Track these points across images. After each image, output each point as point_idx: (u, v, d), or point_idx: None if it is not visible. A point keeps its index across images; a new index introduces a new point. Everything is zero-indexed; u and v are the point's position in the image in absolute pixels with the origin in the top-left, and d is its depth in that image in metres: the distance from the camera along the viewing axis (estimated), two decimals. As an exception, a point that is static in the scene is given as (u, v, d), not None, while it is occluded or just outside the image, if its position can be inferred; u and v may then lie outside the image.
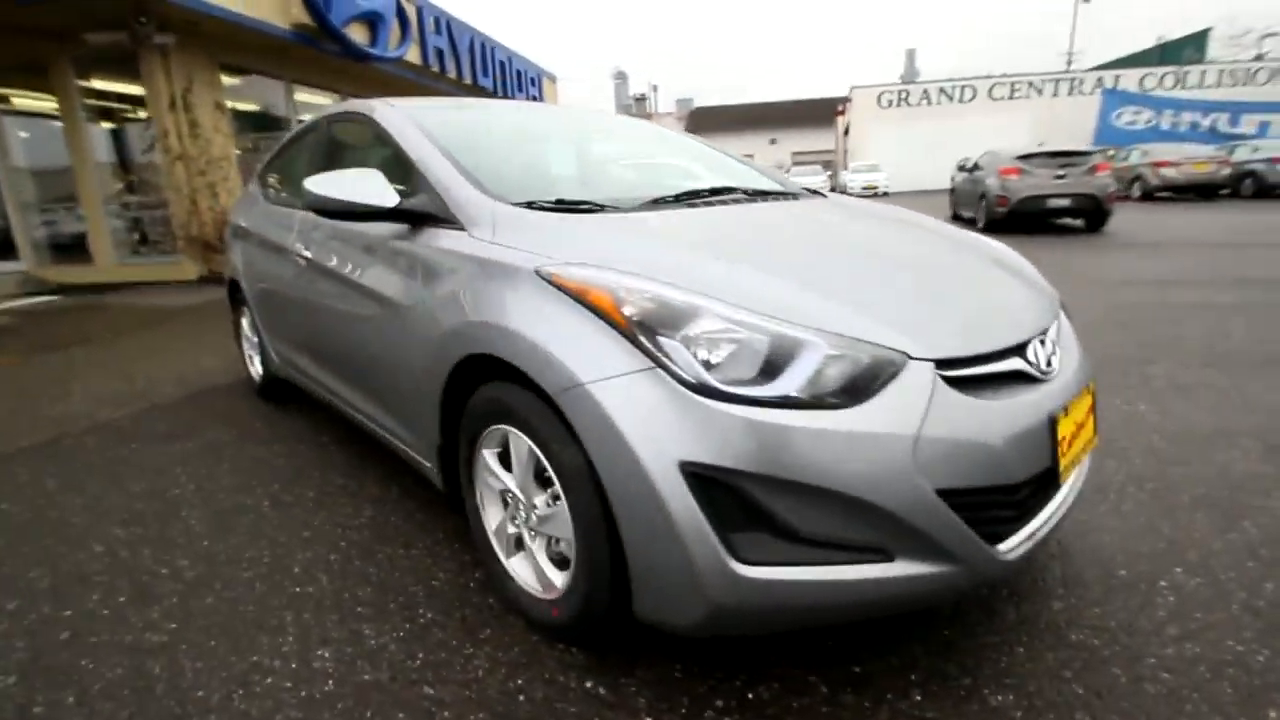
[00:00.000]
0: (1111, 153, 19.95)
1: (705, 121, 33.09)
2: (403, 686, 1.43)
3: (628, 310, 1.25)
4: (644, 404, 1.19)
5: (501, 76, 13.26)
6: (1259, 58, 27.61)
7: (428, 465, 1.91)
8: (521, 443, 1.46)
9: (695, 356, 1.20)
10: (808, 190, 2.45)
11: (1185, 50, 27.84)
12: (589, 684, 1.41)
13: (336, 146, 2.63)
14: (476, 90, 12.53)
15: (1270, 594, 1.62)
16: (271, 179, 3.23)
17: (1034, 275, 1.83)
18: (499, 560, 1.67)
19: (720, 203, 2.00)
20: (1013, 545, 1.31)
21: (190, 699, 1.42)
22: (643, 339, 1.22)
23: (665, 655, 1.48)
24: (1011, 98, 27.11)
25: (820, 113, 34.20)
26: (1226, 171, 14.86)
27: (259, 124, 8.84)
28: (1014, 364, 1.37)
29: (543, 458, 1.41)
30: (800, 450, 1.14)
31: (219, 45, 7.49)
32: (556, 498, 1.44)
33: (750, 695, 1.36)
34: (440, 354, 1.63)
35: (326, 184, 1.82)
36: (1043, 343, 1.47)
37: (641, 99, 39.84)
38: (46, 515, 2.33)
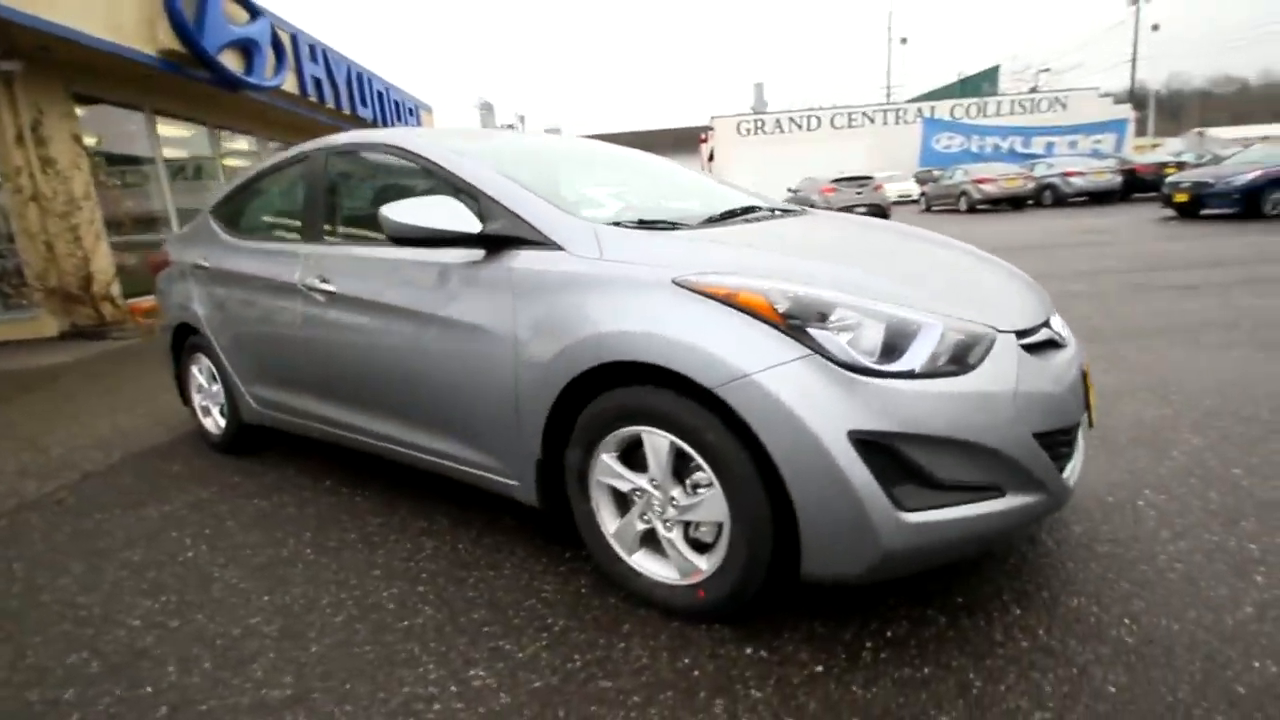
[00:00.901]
0: (937, 173, 22.88)
1: None
2: (578, 685, 1.48)
3: (781, 308, 1.44)
4: (809, 386, 1.38)
5: (380, 107, 12.83)
6: (1033, 90, 33.00)
7: (513, 484, 1.95)
8: (660, 440, 1.59)
9: (843, 342, 1.41)
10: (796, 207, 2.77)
11: (981, 84, 32.66)
12: (749, 650, 1.55)
13: (344, 178, 2.58)
14: (356, 121, 12.03)
15: (1216, 499, 2.09)
16: (244, 214, 3.04)
17: (1017, 269, 2.24)
18: (621, 560, 1.76)
19: (763, 218, 2.24)
20: (1069, 474, 1.63)
21: (360, 737, 1.38)
22: (803, 331, 1.42)
23: (800, 618, 1.65)
24: (850, 126, 30.35)
25: (685, 140, 36.02)
26: (1031, 185, 17.63)
27: (116, 159, 7.95)
28: (1047, 334, 1.71)
29: (689, 449, 1.54)
30: (939, 411, 1.38)
31: (74, 73, 6.68)
32: (697, 487, 1.58)
33: (889, 634, 1.57)
34: (553, 368, 1.71)
35: (407, 211, 1.84)
36: (1053, 318, 1.84)
37: (510, 129, 39.77)
38: (40, 601, 2.05)
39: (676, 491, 1.62)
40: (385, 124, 13.13)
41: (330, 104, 10.75)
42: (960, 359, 1.45)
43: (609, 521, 1.78)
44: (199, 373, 3.29)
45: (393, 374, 2.18)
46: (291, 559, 2.18)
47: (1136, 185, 17.62)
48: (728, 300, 1.49)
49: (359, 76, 11.82)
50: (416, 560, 2.10)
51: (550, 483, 1.88)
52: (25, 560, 2.33)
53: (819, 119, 30.57)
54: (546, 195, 1.94)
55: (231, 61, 7.97)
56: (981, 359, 1.46)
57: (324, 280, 2.39)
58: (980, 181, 17.68)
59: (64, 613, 1.97)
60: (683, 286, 1.54)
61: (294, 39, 9.59)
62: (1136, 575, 1.73)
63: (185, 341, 3.32)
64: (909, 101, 32.06)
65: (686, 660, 1.54)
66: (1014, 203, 17.86)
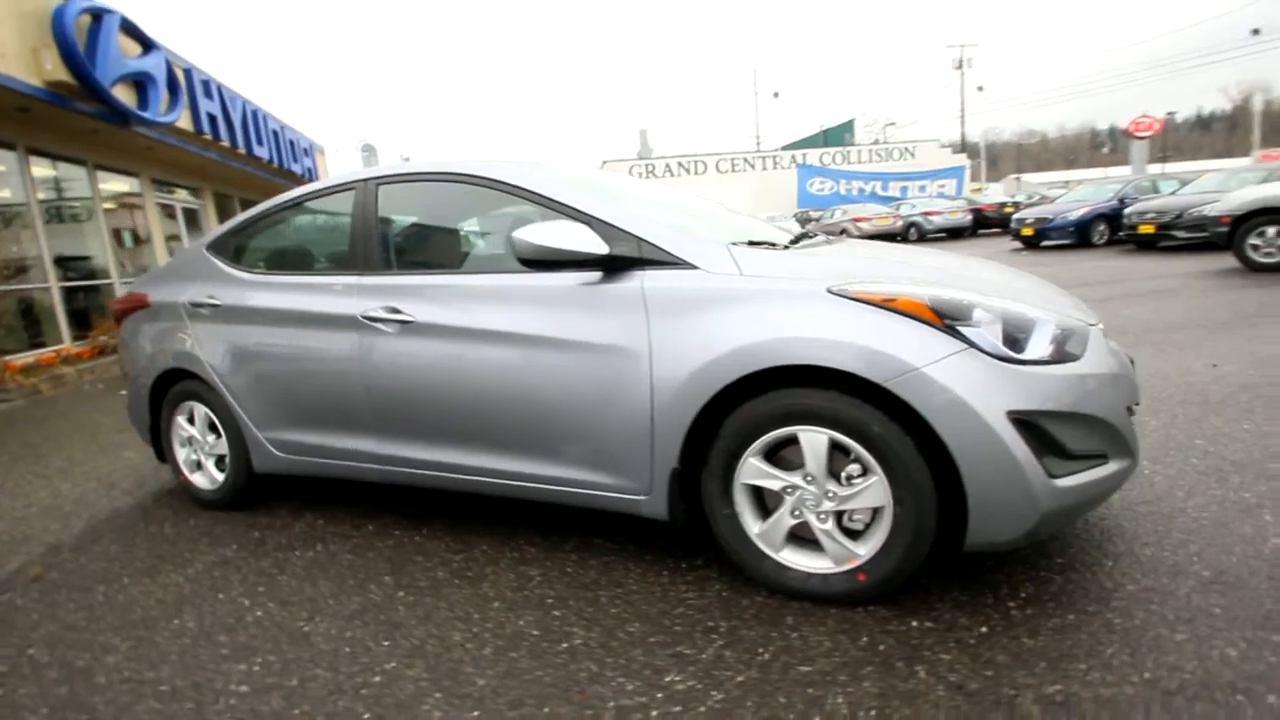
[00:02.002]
0: (814, 213, 25.00)
1: None
2: (779, 673, 1.55)
3: (937, 309, 1.64)
4: (969, 374, 1.58)
5: (276, 146, 12.09)
6: (875, 141, 37.05)
7: (639, 499, 1.99)
8: (819, 436, 1.72)
9: (988, 336, 1.63)
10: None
11: (842, 134, 36.22)
12: (914, 623, 1.69)
13: (407, 208, 2.52)
14: (251, 160, 11.27)
15: (1199, 463, 2.52)
16: (261, 248, 2.84)
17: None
18: (767, 558, 1.85)
19: (827, 243, 2.46)
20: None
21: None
22: (955, 329, 1.62)
23: (938, 595, 1.82)
24: (734, 170, 32.48)
25: None
26: (900, 223, 19.73)
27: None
28: (1101, 326, 2.05)
29: (850, 442, 1.69)
30: (1068, 391, 1.63)
31: (-63, 104, 5.85)
32: (850, 478, 1.73)
33: (1022, 594, 1.78)
34: (700, 378, 1.79)
35: (540, 234, 1.88)
36: None
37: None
38: (97, 683, 1.79)
39: (831, 485, 1.75)
40: (282, 164, 12.40)
41: (225, 142, 10.03)
42: (1071, 348, 1.72)
43: (752, 523, 1.87)
44: (187, 424, 2.98)
45: (491, 401, 2.14)
46: (386, 604, 2.05)
47: (982, 222, 20.27)
48: (886, 305, 1.67)
49: (254, 114, 11.13)
50: (531, 589, 2.06)
51: (681, 494, 1.94)
52: (42, 644, 2.01)
53: (705, 164, 32.45)
54: (661, 220, 2.06)
55: (125, 96, 7.31)
56: (1084, 348, 1.74)
57: (393, 311, 2.31)
58: (858, 220, 19.56)
59: (139, 690, 1.74)
60: (839, 295, 1.71)
61: (188, 74, 8.92)
62: (1180, 525, 2.07)
63: (167, 391, 3.01)
64: (783, 149, 34.87)
65: (865, 639, 1.65)
66: (886, 238, 19.90)
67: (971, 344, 1.62)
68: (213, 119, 9.52)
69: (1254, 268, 7.45)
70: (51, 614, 2.20)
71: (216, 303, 2.79)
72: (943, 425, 1.58)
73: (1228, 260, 7.98)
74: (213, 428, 2.93)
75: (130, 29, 7.46)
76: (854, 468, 1.73)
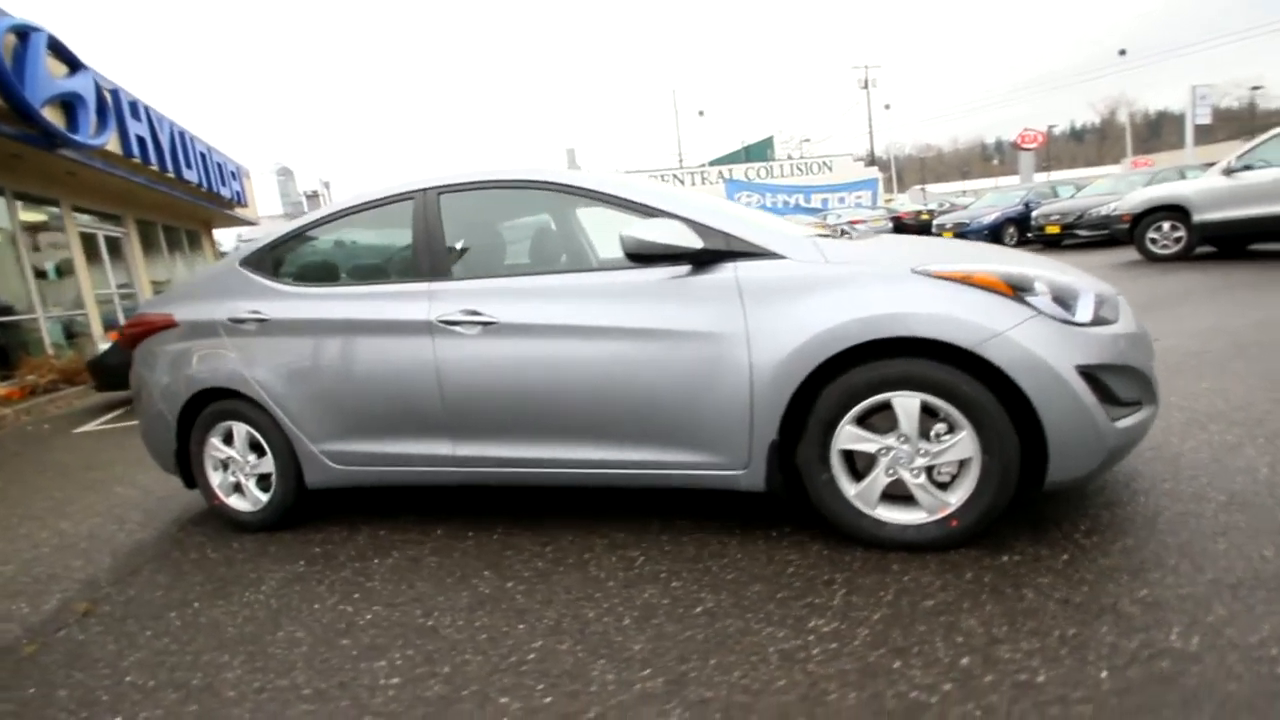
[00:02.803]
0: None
1: None
2: (908, 609, 1.74)
3: (1010, 282, 1.90)
4: (1042, 336, 1.84)
5: (204, 169, 11.47)
6: (789, 156, 38.93)
7: (737, 473, 2.15)
8: (911, 400, 1.93)
9: (1049, 303, 1.90)
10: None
11: (763, 150, 37.79)
12: (1005, 558, 1.92)
13: (478, 214, 2.59)
14: (179, 184, 10.67)
15: (1203, 406, 2.92)
16: (308, 261, 2.80)
17: None
18: (865, 515, 2.05)
19: (861, 237, 2.72)
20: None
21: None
22: (1023, 299, 1.88)
23: (1007, 537, 2.06)
24: (663, 186, 33.22)
25: None
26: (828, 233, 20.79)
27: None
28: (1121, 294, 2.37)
29: (940, 402, 1.91)
30: (1115, 347, 1.92)
31: None
32: (938, 435, 1.95)
33: (1083, 527, 2.05)
34: (799, 356, 1.98)
35: (644, 231, 2.03)
36: None
37: (314, 195, 37.11)
38: (226, 696, 1.76)
39: (921, 443, 1.97)
40: (210, 188, 11.78)
41: (154, 165, 9.47)
42: (1106, 312, 2.02)
43: (848, 486, 2.06)
44: (223, 445, 2.89)
45: (588, 393, 2.25)
46: (500, 595, 2.11)
47: (901, 229, 21.66)
48: (965, 280, 1.91)
49: (181, 136, 10.56)
50: (639, 567, 2.17)
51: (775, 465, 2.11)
52: (138, 670, 1.94)
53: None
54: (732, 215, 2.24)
55: (53, 118, 6.85)
56: (1116, 312, 2.05)
57: (472, 313, 2.38)
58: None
59: (281, 697, 1.73)
60: (923, 274, 1.94)
61: (114, 95, 8.41)
62: (1185, 464, 2.41)
63: (199, 414, 2.91)
64: (709, 164, 36.01)
65: (969, 574, 1.87)
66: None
67: (1039, 310, 1.88)
68: (141, 141, 8.99)
69: (1153, 258, 8.42)
70: (130, 642, 2.11)
71: (263, 317, 2.74)
72: (1026, 381, 1.83)
73: (1129, 254, 8.96)
74: (254, 447, 2.86)
75: (57, 48, 7.02)
76: (940, 426, 1.95)
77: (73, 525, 3.33)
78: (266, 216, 20.38)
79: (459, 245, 2.57)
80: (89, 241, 9.69)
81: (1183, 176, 11.86)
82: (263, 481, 2.90)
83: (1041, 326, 1.86)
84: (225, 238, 21.17)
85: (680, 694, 1.53)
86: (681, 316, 2.14)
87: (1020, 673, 1.47)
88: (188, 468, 3.03)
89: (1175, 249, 8.23)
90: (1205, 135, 28.25)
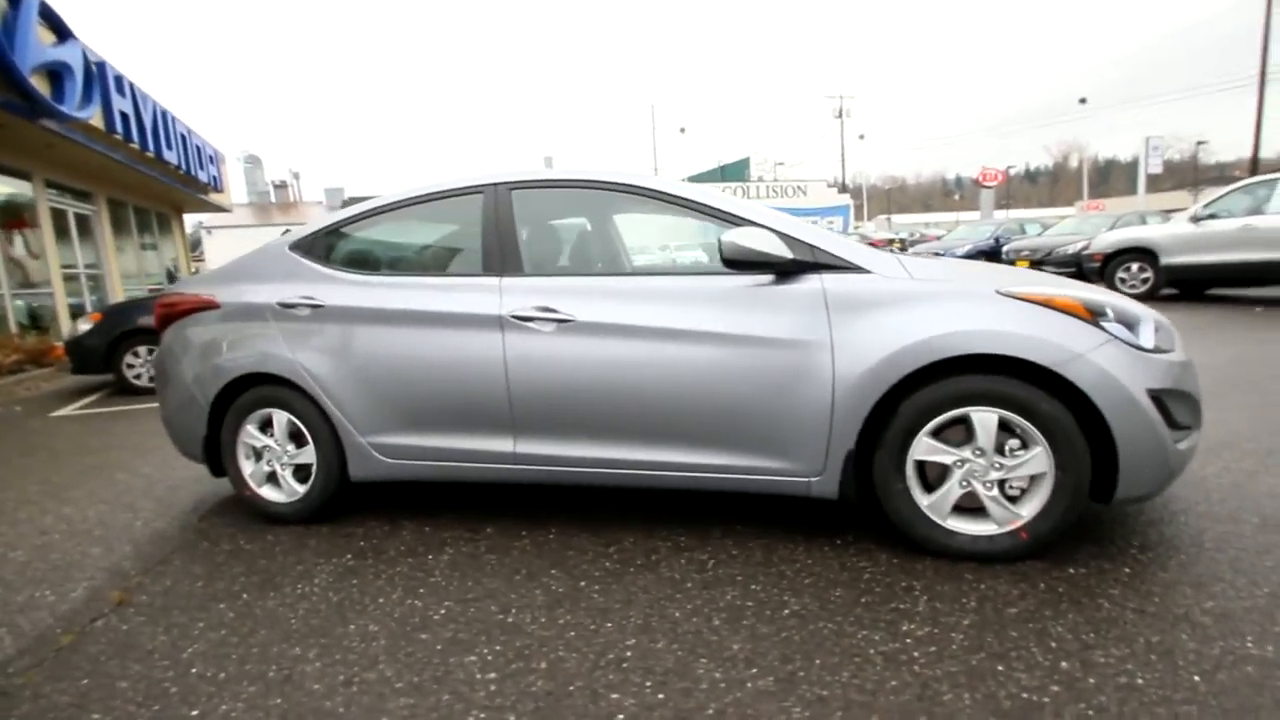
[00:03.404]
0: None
1: None
2: (994, 614, 1.80)
3: (1089, 307, 2.00)
4: (1117, 360, 1.95)
5: (184, 151, 11.05)
6: (759, 178, 39.73)
7: (810, 480, 2.20)
8: (989, 415, 2.01)
9: (1122, 329, 2.01)
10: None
11: (739, 170, 38.45)
12: (1071, 570, 2.01)
13: (534, 211, 2.58)
14: (158, 164, 10.26)
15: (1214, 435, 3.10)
16: (368, 250, 2.75)
17: None
18: (937, 526, 2.12)
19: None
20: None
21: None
22: (1099, 324, 1.99)
23: (1067, 552, 2.16)
24: (641, 199, 33.46)
25: None
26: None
27: None
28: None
29: (1017, 418, 2.00)
30: (1175, 373, 2.05)
31: None
32: (1012, 450, 2.03)
33: (1137, 545, 2.16)
34: (883, 367, 2.04)
35: (743, 238, 2.07)
36: None
37: (282, 186, 36.07)
38: (313, 689, 1.70)
39: (996, 457, 2.05)
40: (189, 171, 11.36)
41: (135, 143, 9.09)
42: (1163, 340, 2.14)
43: (921, 496, 2.13)
44: (260, 433, 2.80)
45: (667, 395, 2.26)
46: (576, 593, 2.10)
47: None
48: (1046, 303, 2.01)
49: (164, 115, 10.16)
50: (712, 570, 2.18)
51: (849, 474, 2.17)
52: (203, 661, 1.86)
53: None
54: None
55: (40, 86, 6.54)
56: (1172, 340, 2.18)
57: (547, 310, 2.38)
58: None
59: (375, 690, 1.69)
60: (1007, 295, 2.04)
61: (100, 68, 8.07)
62: (1213, 488, 2.56)
63: (236, 399, 2.81)
64: (684, 181, 36.48)
65: (1043, 585, 1.95)
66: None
67: (1114, 336, 1.99)
68: (125, 118, 8.63)
69: (1122, 297, 8.88)
70: (183, 633, 2.02)
71: (317, 303, 2.68)
72: (1103, 401, 1.94)
73: (1099, 291, 9.43)
74: (293, 436, 2.78)
75: (48, 15, 6.72)
76: (1014, 441, 2.04)
77: (78, 511, 3.17)
78: (235, 205, 19.76)
79: (533, 241, 2.57)
80: (59, 218, 9.22)
81: (1144, 221, 12.58)
82: (299, 472, 2.81)
83: (1116, 351, 1.97)
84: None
85: (794, 692, 1.56)
86: (767, 324, 2.18)
87: (1119, 676, 1.55)
88: (215, 456, 2.92)
89: (1142, 289, 8.71)
90: (1153, 184, 30.01)
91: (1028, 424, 2.00)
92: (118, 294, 10.48)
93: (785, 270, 2.19)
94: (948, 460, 2.09)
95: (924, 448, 2.10)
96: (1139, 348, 2.01)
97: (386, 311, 2.60)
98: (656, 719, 1.51)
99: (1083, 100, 33.91)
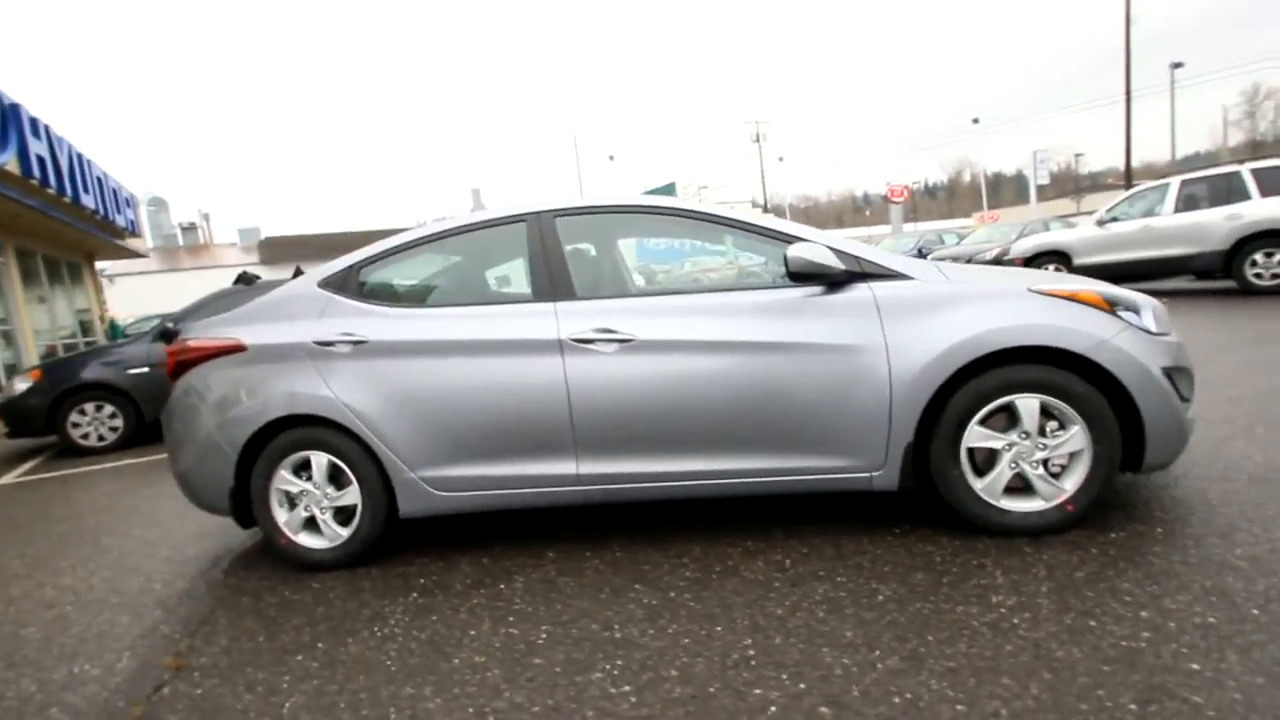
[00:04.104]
0: (668, 267, 26.89)
1: (280, 251, 30.53)
2: (1065, 578, 1.99)
3: (1107, 299, 2.26)
4: (1136, 343, 2.21)
5: (101, 194, 10.31)
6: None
7: (873, 475, 2.35)
8: (1033, 401, 2.23)
9: (1134, 315, 2.28)
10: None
11: (666, 195, 39.49)
12: (1113, 535, 2.23)
13: (578, 238, 2.65)
14: (74, 209, 9.53)
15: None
16: (404, 282, 2.71)
17: None
18: (991, 506, 2.30)
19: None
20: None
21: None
22: (1116, 313, 2.25)
23: (1099, 522, 2.39)
24: (572, 226, 33.73)
25: None
26: (740, 272, 22.03)
27: None
28: None
29: (1057, 401, 2.22)
30: (1177, 352, 2.33)
31: None
32: (1052, 431, 2.25)
33: (1162, 506, 2.42)
34: (936, 365, 2.22)
35: (806, 253, 2.22)
36: None
37: (191, 228, 33.86)
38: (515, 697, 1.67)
39: (1039, 439, 2.26)
40: (107, 216, 10.62)
41: (53, 188, 8.44)
42: (1163, 323, 2.43)
43: (974, 480, 2.31)
44: (295, 477, 2.70)
45: (732, 406, 2.36)
46: (670, 604, 2.14)
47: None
48: (1072, 298, 2.26)
49: (79, 159, 9.47)
50: (791, 569, 2.28)
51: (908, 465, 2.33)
52: (310, 711, 1.79)
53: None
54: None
55: (-49, 127, 6.03)
56: (1167, 324, 2.48)
57: (607, 331, 2.44)
58: (707, 270, 21.46)
59: (516, 719, 1.68)
60: (1038, 293, 2.27)
61: (15, 111, 7.49)
62: (1200, 453, 2.89)
63: (266, 445, 2.70)
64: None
65: (1095, 550, 2.15)
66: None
67: (1129, 323, 2.26)
68: (41, 161, 8.01)
69: (1043, 296, 9.72)
70: (271, 688, 1.93)
71: (358, 339, 2.63)
72: (1128, 380, 2.18)
73: (1021, 292, 10.27)
74: (331, 479, 2.69)
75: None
76: (1053, 423, 2.26)
77: (80, 581, 2.92)
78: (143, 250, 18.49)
79: (582, 266, 2.64)
80: (-40, 271, 8.40)
81: (1047, 227, 13.80)
82: (339, 515, 2.72)
83: (1133, 335, 2.23)
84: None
85: (924, 667, 1.67)
86: (825, 331, 2.33)
87: (1193, 617, 1.75)
88: (242, 506, 2.78)
89: (1060, 288, 9.54)
90: (1039, 193, 32.97)
91: (1066, 406, 2.23)
92: (30, 350, 9.60)
93: (836, 281, 2.36)
94: (998, 445, 2.29)
95: (975, 435, 2.29)
96: (1148, 331, 2.29)
97: (436, 343, 2.58)
98: (808, 706, 1.58)
99: (976, 120, 36.98)
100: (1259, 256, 7.40)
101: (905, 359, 2.27)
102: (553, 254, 2.60)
